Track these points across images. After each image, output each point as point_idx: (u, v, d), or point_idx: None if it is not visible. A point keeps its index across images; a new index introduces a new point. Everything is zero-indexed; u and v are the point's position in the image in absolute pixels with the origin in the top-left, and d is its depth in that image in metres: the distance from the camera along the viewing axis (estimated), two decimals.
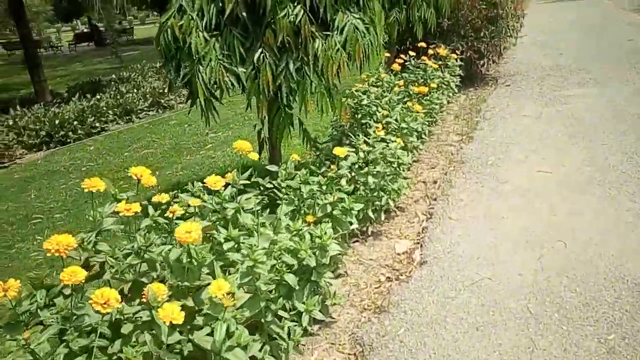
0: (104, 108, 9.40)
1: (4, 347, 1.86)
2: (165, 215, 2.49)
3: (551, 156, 5.10)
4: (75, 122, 8.72)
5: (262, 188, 3.24)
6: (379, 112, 4.99)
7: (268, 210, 3.13)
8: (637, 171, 4.47)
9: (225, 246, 2.54)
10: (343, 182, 3.84)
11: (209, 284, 2.15)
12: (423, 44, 6.89)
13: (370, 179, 3.77)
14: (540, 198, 4.22)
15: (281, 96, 3.66)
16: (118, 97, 10.13)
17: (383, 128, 4.64)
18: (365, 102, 5.03)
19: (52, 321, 1.95)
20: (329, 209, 3.22)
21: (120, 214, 2.28)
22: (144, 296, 2.06)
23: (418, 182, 4.93)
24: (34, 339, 1.89)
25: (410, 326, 2.86)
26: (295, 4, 3.43)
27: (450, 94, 7.05)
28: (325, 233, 2.81)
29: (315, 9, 3.50)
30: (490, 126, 6.37)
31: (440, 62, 7.00)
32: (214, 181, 2.58)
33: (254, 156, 3.13)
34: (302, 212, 3.31)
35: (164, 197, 2.66)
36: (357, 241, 3.85)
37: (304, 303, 2.76)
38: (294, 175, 3.41)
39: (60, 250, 2.01)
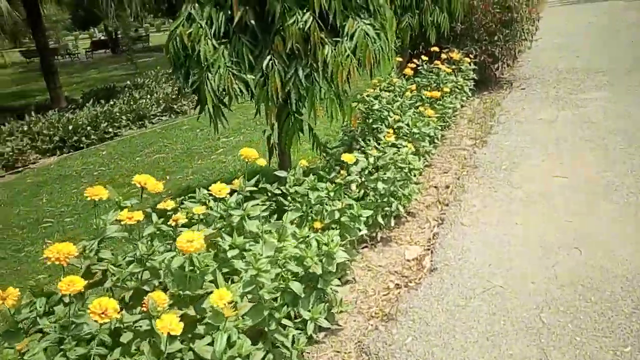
0: (117, 114, 9.46)
1: (2, 355, 1.84)
2: (169, 223, 2.46)
3: (567, 161, 5.00)
4: (88, 128, 8.78)
5: (269, 194, 3.21)
6: (391, 117, 4.94)
7: (276, 216, 3.09)
8: None
9: (230, 254, 2.51)
10: (353, 187, 3.80)
11: (211, 292, 2.11)
12: (436, 48, 6.83)
13: (380, 185, 3.71)
14: (555, 204, 4.12)
15: (290, 102, 3.63)
16: (131, 102, 10.19)
17: (394, 133, 4.58)
18: (376, 106, 4.98)
19: (50, 330, 1.92)
20: (337, 215, 3.17)
21: (122, 222, 2.25)
22: (144, 305, 2.03)
23: (430, 187, 4.85)
24: (33, 347, 1.87)
25: (418, 335, 2.79)
26: (305, 11, 3.40)
27: (464, 98, 6.97)
28: (332, 240, 2.76)
29: (325, 15, 3.46)
30: (505, 130, 6.27)
31: (453, 66, 6.93)
32: (219, 189, 2.55)
33: (262, 162, 3.11)
34: (310, 218, 3.27)
35: (169, 204, 2.63)
36: (366, 247, 3.79)
37: (309, 311, 2.71)
38: (302, 181, 3.37)
39: (61, 258, 1.99)
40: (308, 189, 3.25)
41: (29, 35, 16.27)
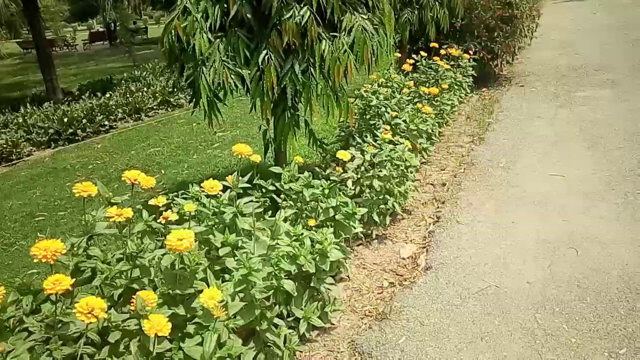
0: (113, 106, 9.40)
1: None
2: (158, 220, 2.41)
3: (565, 160, 4.96)
4: (84, 121, 8.71)
5: (264, 191, 3.17)
6: (388, 113, 4.90)
7: (270, 213, 3.06)
8: None
9: (222, 252, 2.48)
10: (349, 183, 3.76)
11: (201, 291, 2.07)
12: (435, 44, 6.78)
13: (376, 182, 3.67)
14: (552, 203, 4.09)
15: (286, 98, 3.59)
16: (127, 95, 10.12)
17: (392, 129, 4.54)
18: (374, 102, 4.94)
19: (36, 329, 1.88)
20: (331, 213, 3.13)
21: (111, 220, 2.21)
22: (132, 304, 1.99)
23: (426, 184, 4.82)
24: (17, 346, 1.84)
25: (411, 335, 2.76)
26: (302, 5, 3.35)
27: (462, 95, 6.93)
28: (326, 239, 2.73)
29: (322, 10, 3.42)
30: (503, 128, 6.23)
31: (452, 63, 6.89)
32: (211, 185, 2.50)
33: (256, 158, 3.06)
34: (304, 215, 3.23)
35: (161, 200, 2.59)
36: (361, 244, 3.76)
37: (302, 309, 2.68)
38: (297, 177, 3.33)
39: (48, 256, 1.94)
40: (303, 186, 3.21)
41: (27, 26, 16.13)
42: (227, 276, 2.38)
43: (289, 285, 2.47)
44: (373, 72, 4.82)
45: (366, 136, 4.48)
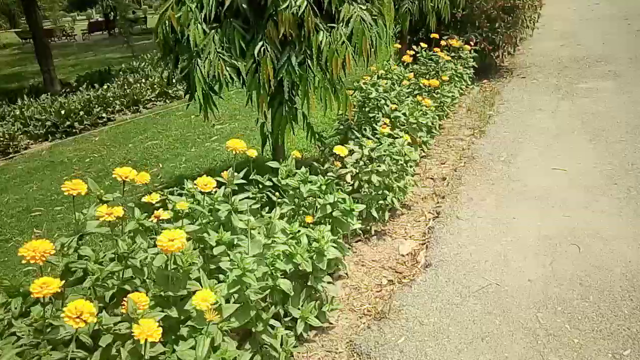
0: (111, 98, 9.31)
1: None
2: (150, 219, 2.35)
3: (566, 153, 4.89)
4: (81, 113, 8.63)
5: (261, 186, 3.11)
6: (387, 106, 4.82)
7: (267, 209, 3.00)
8: None
9: (216, 250, 2.42)
10: (348, 177, 3.70)
11: (195, 292, 2.02)
12: (436, 35, 6.69)
13: (374, 178, 3.61)
14: (554, 198, 4.03)
15: (283, 91, 3.52)
16: (125, 87, 10.02)
17: (391, 122, 4.47)
18: (373, 95, 4.86)
19: (24, 334, 1.83)
20: (329, 209, 3.07)
21: (101, 219, 2.15)
22: (123, 306, 1.94)
23: (426, 179, 4.76)
24: (6, 352, 1.78)
25: (411, 334, 2.71)
26: None
27: (463, 87, 6.84)
28: (323, 237, 2.67)
29: (320, 0, 3.34)
30: (504, 120, 6.16)
31: (453, 54, 6.79)
32: (205, 182, 2.44)
33: (252, 153, 3.00)
34: (301, 212, 3.17)
35: (155, 198, 2.53)
36: (359, 241, 3.70)
37: (299, 309, 2.63)
38: (294, 173, 3.27)
39: (37, 257, 1.89)
40: (300, 181, 3.15)
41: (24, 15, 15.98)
42: (222, 276, 2.33)
43: (285, 284, 2.41)
44: (372, 63, 4.75)
45: (365, 129, 4.41)
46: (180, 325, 2.07)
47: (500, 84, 7.90)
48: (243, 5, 3.36)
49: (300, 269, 2.55)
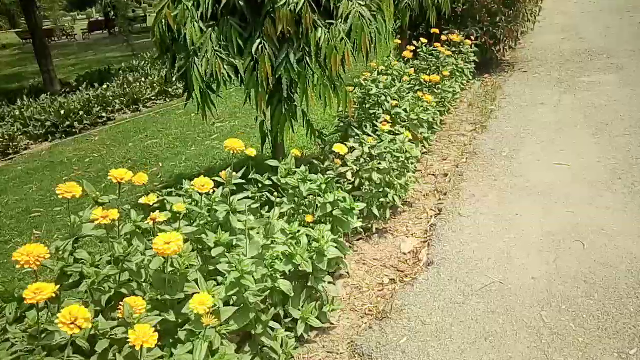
0: (111, 97, 9.26)
1: None
2: (147, 221, 2.32)
3: (569, 148, 4.84)
4: (81, 112, 8.58)
5: (260, 185, 3.07)
6: (388, 102, 4.78)
7: (267, 208, 2.96)
8: None
9: (214, 252, 2.38)
10: (349, 175, 3.66)
11: (193, 295, 1.98)
12: (436, 30, 6.63)
13: (375, 175, 3.57)
14: (557, 193, 3.98)
15: (281, 88, 3.48)
16: (125, 86, 9.98)
17: (391, 118, 4.42)
18: (373, 91, 4.82)
19: (18, 340, 1.80)
20: (329, 208, 3.03)
21: (97, 222, 2.11)
22: (119, 310, 1.91)
23: (428, 175, 4.71)
24: (1, 358, 1.75)
25: (413, 335, 2.67)
26: None
27: (464, 82, 6.78)
28: (323, 237, 2.63)
29: None
30: (506, 115, 6.11)
31: (453, 49, 6.74)
32: (202, 183, 2.40)
33: (251, 152, 2.96)
34: (301, 211, 3.13)
35: (152, 199, 2.49)
36: (360, 239, 3.66)
37: (299, 310, 2.59)
38: (294, 171, 3.23)
39: (31, 262, 1.86)
40: (299, 180, 3.11)
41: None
42: (220, 278, 2.29)
43: (285, 285, 2.38)
44: (372, 60, 4.70)
45: (366, 126, 4.37)
46: (178, 329, 2.04)
47: (501, 78, 7.85)
48: (240, 2, 3.32)
49: (301, 269, 2.52)
